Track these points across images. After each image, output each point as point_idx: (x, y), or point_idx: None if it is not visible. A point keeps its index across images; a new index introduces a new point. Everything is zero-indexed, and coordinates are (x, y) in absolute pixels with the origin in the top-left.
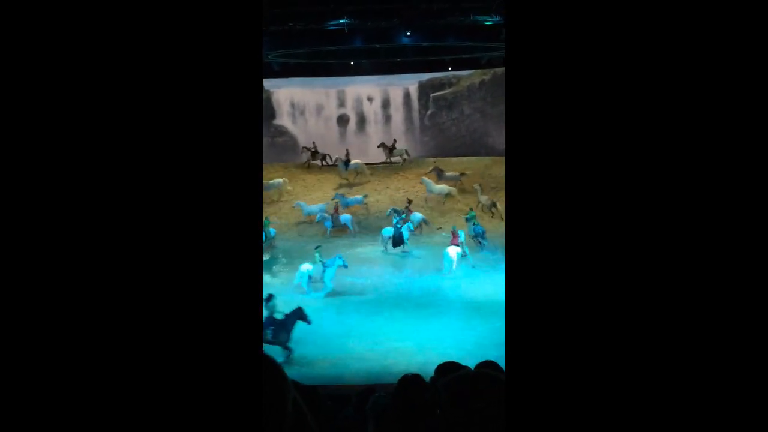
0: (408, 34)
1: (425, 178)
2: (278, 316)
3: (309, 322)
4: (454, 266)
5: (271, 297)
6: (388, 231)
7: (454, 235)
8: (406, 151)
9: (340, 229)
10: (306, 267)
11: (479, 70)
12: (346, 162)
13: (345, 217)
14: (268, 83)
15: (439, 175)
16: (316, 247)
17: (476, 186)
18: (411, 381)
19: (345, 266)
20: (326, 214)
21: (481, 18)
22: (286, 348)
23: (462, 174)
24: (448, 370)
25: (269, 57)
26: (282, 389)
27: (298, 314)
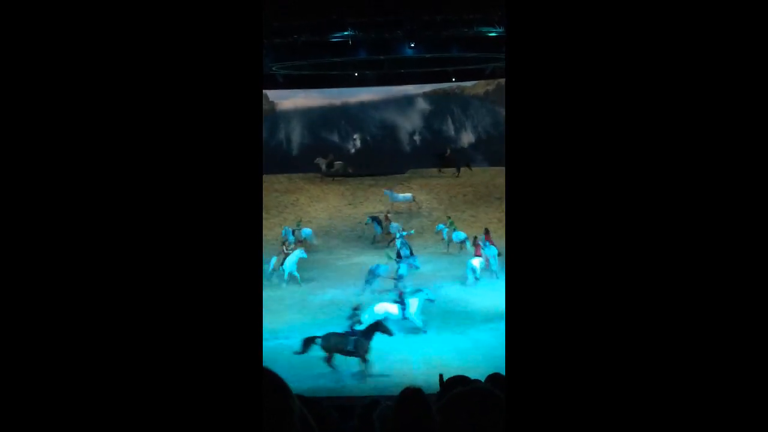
0: (412, 45)
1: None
2: (359, 327)
3: (391, 334)
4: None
5: (358, 307)
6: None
7: (477, 245)
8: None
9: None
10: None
11: (483, 81)
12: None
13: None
14: (273, 94)
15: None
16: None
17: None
18: (411, 395)
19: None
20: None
21: (484, 29)
22: (364, 359)
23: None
24: (456, 384)
25: (273, 69)
26: (288, 404)
27: (379, 326)
